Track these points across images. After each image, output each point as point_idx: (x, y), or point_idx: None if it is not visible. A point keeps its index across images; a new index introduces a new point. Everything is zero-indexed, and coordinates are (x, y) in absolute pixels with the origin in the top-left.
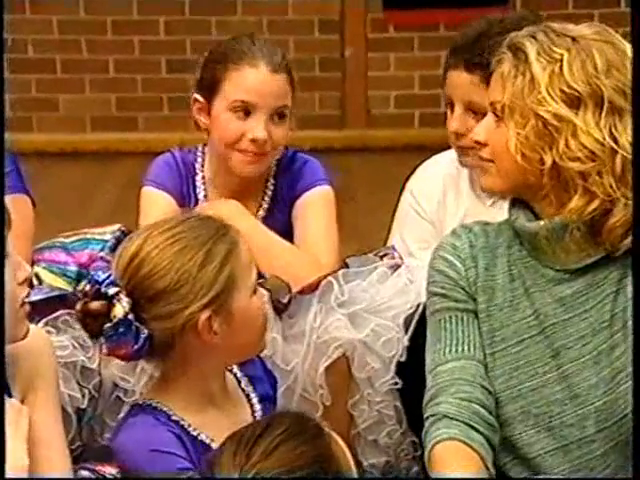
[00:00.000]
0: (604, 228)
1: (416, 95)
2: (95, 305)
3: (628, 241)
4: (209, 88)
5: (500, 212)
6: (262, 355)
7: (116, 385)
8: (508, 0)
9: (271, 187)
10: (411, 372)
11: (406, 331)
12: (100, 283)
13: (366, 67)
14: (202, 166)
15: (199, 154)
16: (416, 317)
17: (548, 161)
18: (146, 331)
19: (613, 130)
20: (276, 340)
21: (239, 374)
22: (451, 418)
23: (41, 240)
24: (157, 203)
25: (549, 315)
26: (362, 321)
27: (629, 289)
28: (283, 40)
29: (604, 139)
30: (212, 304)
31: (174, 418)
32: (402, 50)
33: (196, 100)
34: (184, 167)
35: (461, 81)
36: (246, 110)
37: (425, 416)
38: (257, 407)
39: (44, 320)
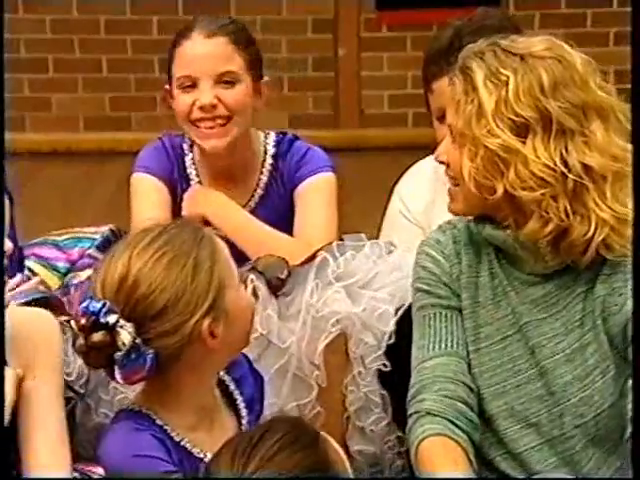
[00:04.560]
0: (561, 246)
1: (409, 95)
2: (98, 337)
3: (588, 256)
4: (168, 74)
5: None
6: (258, 333)
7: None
8: (500, 0)
9: (269, 168)
10: (396, 359)
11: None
12: (97, 314)
13: (359, 67)
14: (191, 147)
15: (187, 135)
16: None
17: (499, 190)
18: (151, 350)
19: (563, 153)
20: (271, 318)
21: (226, 377)
22: (435, 415)
23: (34, 239)
24: (146, 187)
25: (524, 314)
26: (357, 295)
27: (598, 289)
28: (276, 40)
29: (555, 165)
30: (212, 308)
31: (158, 422)
32: (395, 50)
33: (165, 90)
34: (172, 150)
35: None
36: (192, 84)
37: (409, 413)
38: (244, 412)
39: None
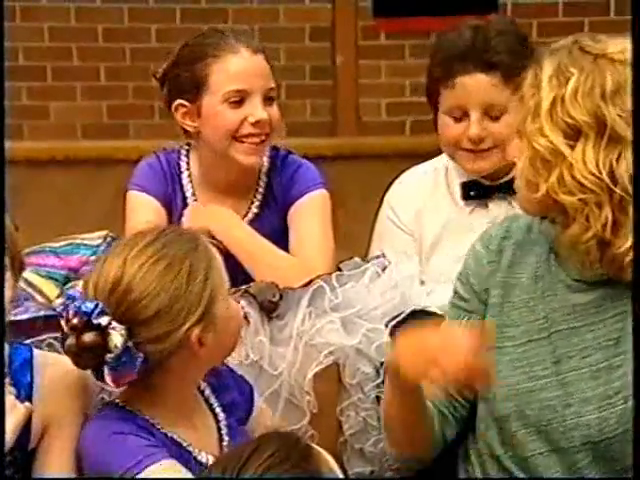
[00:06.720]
0: (605, 256)
1: (407, 102)
2: (90, 338)
3: (626, 273)
4: (193, 90)
5: (480, 220)
6: (250, 359)
7: (103, 388)
8: (498, 7)
9: (263, 185)
10: None
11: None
12: (89, 314)
13: (357, 74)
14: (187, 164)
15: (183, 152)
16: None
17: (541, 190)
18: (141, 354)
19: (614, 163)
20: (263, 344)
21: (201, 383)
22: None
23: (32, 247)
24: (141, 206)
25: (557, 321)
26: (353, 326)
27: None
28: (274, 48)
29: (600, 174)
30: (203, 317)
31: (142, 416)
32: (393, 57)
33: (180, 106)
34: (168, 167)
35: (479, 84)
36: (240, 99)
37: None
38: (221, 416)
39: (28, 341)
